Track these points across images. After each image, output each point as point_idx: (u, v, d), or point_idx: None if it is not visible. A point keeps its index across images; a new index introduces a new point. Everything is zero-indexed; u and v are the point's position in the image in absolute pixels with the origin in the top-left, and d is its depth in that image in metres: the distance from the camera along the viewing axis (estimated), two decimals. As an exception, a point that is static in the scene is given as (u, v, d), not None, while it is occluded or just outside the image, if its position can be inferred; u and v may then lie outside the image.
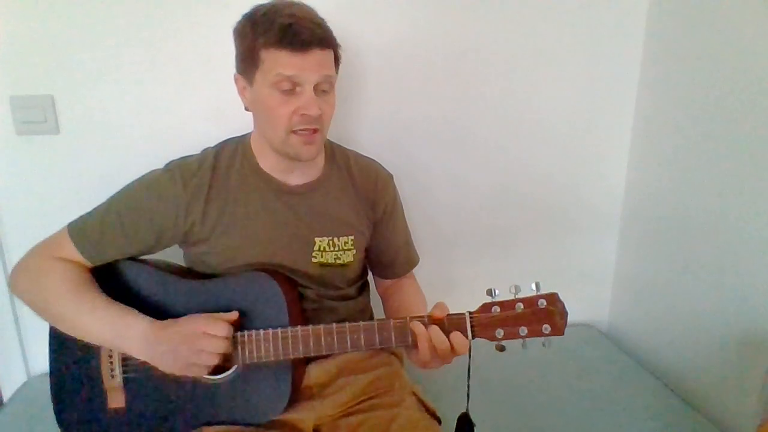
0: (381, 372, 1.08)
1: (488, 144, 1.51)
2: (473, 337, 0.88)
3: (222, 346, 0.89)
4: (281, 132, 0.94)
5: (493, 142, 1.51)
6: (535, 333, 0.86)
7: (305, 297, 1.05)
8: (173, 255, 1.08)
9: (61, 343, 0.98)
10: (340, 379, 1.06)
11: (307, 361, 1.05)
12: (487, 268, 1.59)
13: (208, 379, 0.95)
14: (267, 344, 0.92)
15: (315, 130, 0.95)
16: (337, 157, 1.11)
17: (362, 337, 0.91)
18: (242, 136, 1.08)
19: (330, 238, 1.06)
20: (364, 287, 1.19)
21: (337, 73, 0.99)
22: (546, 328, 0.85)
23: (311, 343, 0.92)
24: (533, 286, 0.86)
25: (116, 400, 0.98)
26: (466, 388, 0.92)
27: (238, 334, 0.93)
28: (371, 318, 1.21)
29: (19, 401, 1.30)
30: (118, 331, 0.92)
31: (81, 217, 1.01)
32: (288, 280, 1.02)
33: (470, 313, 0.89)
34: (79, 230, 0.98)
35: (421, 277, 1.24)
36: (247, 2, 0.95)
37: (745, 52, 1.19)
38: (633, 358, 1.51)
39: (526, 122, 1.51)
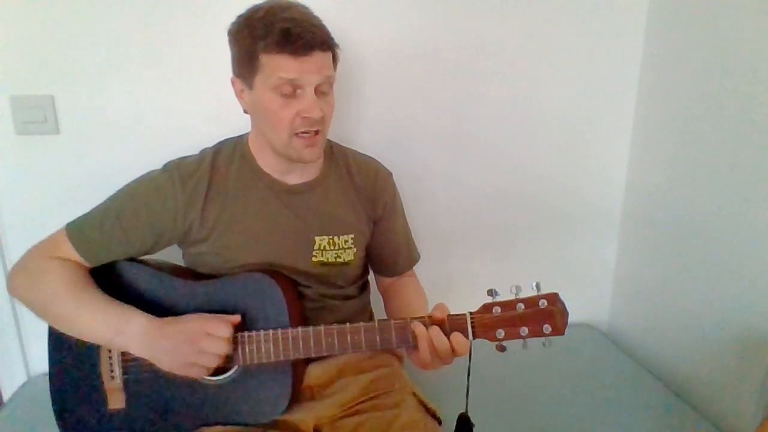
0: (381, 372, 1.08)
1: (488, 144, 1.51)
2: (474, 337, 0.88)
3: (223, 348, 0.89)
4: (284, 135, 0.94)
5: (493, 142, 1.51)
6: (536, 333, 0.86)
7: (306, 296, 1.05)
8: (173, 255, 1.08)
9: (60, 344, 0.98)
10: (341, 380, 1.06)
11: (308, 361, 1.04)
12: (487, 268, 1.59)
13: (208, 380, 0.95)
14: (267, 345, 0.92)
15: (317, 132, 0.95)
16: (336, 155, 1.11)
17: (363, 337, 0.91)
18: (240, 135, 1.08)
19: (330, 236, 1.06)
20: (364, 287, 1.19)
21: (335, 72, 0.99)
22: (547, 328, 0.85)
23: (311, 344, 0.91)
24: (533, 286, 0.86)
25: (116, 400, 0.98)
26: (466, 389, 0.92)
27: (238, 334, 0.92)
28: (371, 317, 1.21)
29: (19, 401, 1.30)
30: (117, 328, 0.92)
31: (79, 217, 1.00)
32: (288, 280, 1.02)
33: (471, 313, 0.88)
34: (77, 231, 0.98)
35: (421, 276, 1.24)
36: (247, 2, 0.95)
37: (745, 52, 1.19)
38: (633, 358, 1.51)
39: (526, 122, 1.51)
